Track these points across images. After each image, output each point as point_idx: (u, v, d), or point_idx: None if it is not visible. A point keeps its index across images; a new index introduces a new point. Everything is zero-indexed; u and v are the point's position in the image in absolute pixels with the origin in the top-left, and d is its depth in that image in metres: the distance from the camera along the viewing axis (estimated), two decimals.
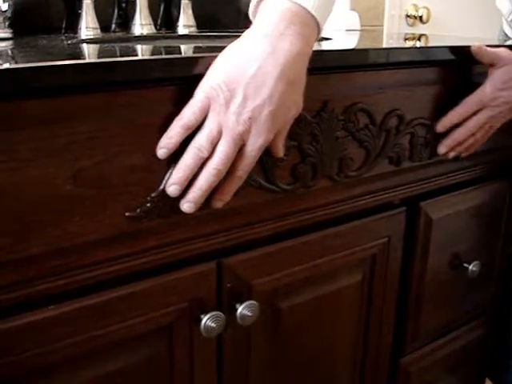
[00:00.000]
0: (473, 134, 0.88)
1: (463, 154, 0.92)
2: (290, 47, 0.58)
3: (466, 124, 0.86)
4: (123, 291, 0.64)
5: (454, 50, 0.85)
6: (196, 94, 0.59)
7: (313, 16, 0.60)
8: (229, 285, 0.72)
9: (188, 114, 0.59)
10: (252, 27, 0.60)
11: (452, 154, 0.90)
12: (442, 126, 0.87)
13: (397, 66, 0.80)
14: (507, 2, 1.09)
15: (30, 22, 1.02)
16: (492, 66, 0.85)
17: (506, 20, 1.13)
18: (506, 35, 1.16)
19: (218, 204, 0.64)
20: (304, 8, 0.59)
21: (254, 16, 0.62)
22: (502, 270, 1.13)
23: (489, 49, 0.84)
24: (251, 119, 0.58)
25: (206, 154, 0.59)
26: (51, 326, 0.60)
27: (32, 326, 0.59)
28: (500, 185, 1.06)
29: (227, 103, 0.57)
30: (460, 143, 0.89)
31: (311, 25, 0.60)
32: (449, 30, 1.70)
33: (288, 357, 0.83)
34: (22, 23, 0.99)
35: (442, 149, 0.89)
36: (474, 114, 0.86)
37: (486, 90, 0.84)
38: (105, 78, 0.56)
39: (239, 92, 0.57)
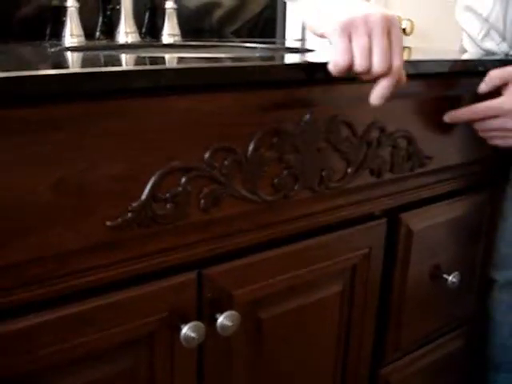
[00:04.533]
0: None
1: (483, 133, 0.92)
2: None
3: (481, 123, 0.90)
4: (103, 300, 0.64)
5: (437, 63, 0.86)
6: (336, 31, 0.68)
7: None
8: (209, 295, 0.72)
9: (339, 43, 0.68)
10: None
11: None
12: (450, 118, 0.89)
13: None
14: (477, 22, 1.11)
15: (14, 29, 1.02)
16: (506, 84, 0.88)
17: (469, 37, 1.15)
18: (466, 50, 1.18)
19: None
20: None
21: None
22: (481, 281, 1.14)
23: (496, 72, 0.87)
24: (383, 18, 0.68)
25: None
26: (31, 334, 0.59)
27: (11, 334, 0.58)
28: (480, 197, 1.07)
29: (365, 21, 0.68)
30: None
31: None
32: (432, 42, 1.71)
33: (269, 367, 0.84)
34: (5, 30, 0.99)
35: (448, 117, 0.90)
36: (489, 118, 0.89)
37: (507, 100, 0.87)
38: (87, 87, 0.56)
39: (360, 15, 0.68)
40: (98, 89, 0.57)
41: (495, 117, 0.89)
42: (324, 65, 0.72)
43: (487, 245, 1.12)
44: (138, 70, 0.59)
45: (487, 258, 1.13)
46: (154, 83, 0.59)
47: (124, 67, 0.63)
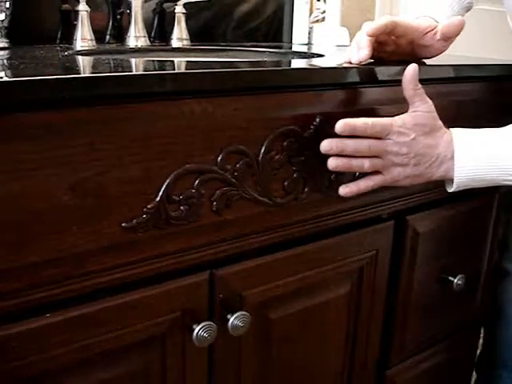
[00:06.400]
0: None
1: (346, 191, 0.77)
2: None
3: (360, 141, 0.74)
4: (117, 301, 0.65)
5: (441, 68, 0.87)
6: None
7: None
8: (220, 295, 0.73)
9: None
10: None
11: (332, 163, 0.74)
12: (339, 126, 0.72)
13: (387, 83, 0.81)
14: None
15: (26, 32, 1.03)
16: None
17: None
18: None
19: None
20: None
21: None
22: (487, 283, 1.15)
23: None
24: None
25: None
26: (47, 334, 0.60)
27: (29, 334, 0.59)
28: (485, 200, 1.08)
29: None
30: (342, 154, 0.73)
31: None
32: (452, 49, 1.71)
33: (277, 367, 0.85)
34: (18, 33, 1.00)
35: (324, 146, 0.73)
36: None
37: (398, 121, 0.74)
38: (104, 91, 0.57)
39: None
40: (114, 93, 0.58)
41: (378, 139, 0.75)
42: (334, 69, 0.73)
43: (492, 247, 1.13)
44: (155, 75, 0.60)
45: (493, 260, 1.14)
46: (169, 87, 0.60)
47: (141, 72, 0.65)
